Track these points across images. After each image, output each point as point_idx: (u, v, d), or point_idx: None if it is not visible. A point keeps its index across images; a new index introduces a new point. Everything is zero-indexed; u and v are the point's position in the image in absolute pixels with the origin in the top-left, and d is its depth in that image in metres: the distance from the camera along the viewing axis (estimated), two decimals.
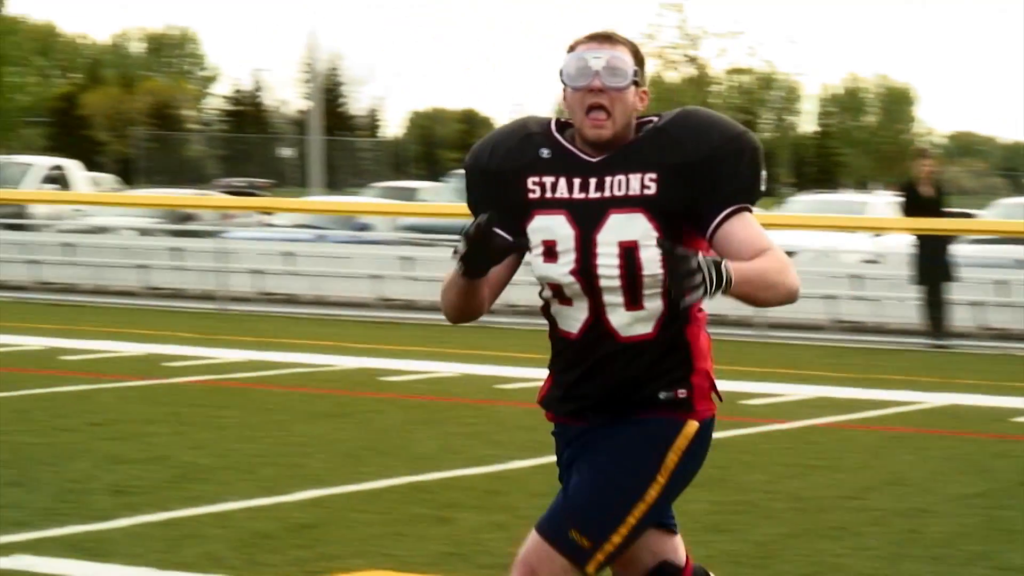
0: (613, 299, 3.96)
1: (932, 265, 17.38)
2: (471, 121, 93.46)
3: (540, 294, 4.11)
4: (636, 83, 3.98)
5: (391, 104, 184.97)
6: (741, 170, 3.97)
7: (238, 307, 21.03)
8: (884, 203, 25.07)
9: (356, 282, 21.84)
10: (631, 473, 4.00)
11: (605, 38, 3.99)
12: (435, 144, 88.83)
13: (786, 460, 9.64)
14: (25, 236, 25.42)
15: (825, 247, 22.26)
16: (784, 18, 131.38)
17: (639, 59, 4.01)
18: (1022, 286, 19.32)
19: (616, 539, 3.98)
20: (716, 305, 4.73)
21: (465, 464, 9.25)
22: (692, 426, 4.05)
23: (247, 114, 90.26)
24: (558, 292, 4.01)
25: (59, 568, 6.60)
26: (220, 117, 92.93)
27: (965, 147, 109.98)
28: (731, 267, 3.77)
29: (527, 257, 4.11)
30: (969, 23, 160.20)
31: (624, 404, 4.03)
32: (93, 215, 27.60)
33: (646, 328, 3.98)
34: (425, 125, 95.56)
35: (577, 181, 3.97)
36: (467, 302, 4.02)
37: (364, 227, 25.11)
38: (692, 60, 52.71)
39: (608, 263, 3.93)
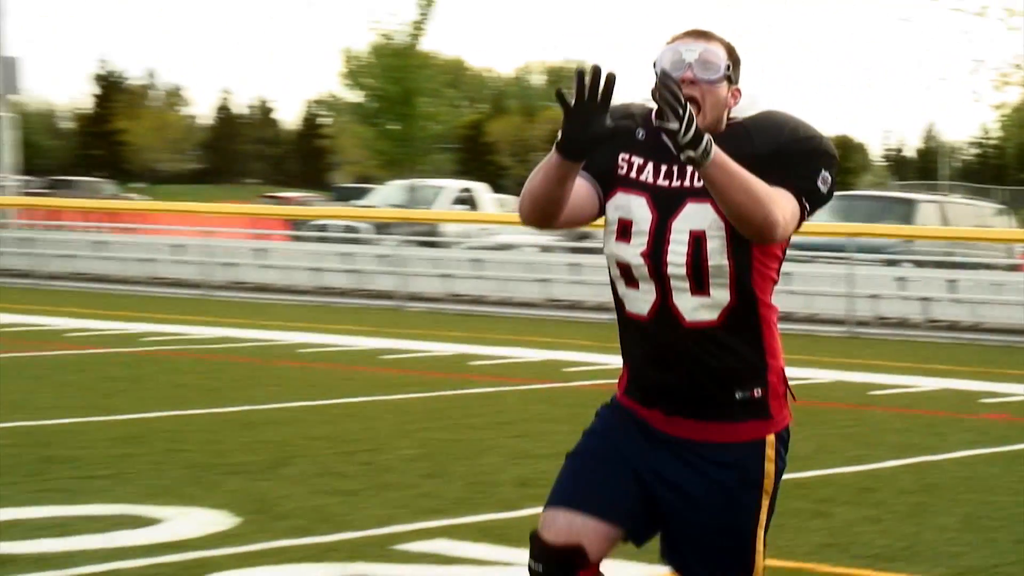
0: (679, 284, 3.93)
1: None
2: None
3: (609, 273, 4.07)
4: (729, 79, 3.96)
5: None
6: (804, 170, 3.92)
7: None
8: None
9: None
10: (740, 551, 4.14)
11: (701, 34, 3.97)
12: None
13: None
14: (438, 252, 26.47)
15: None
16: None
17: (734, 57, 3.98)
18: None
19: (760, 569, 4.20)
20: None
21: (841, 463, 9.59)
22: (772, 447, 4.05)
23: None
24: (626, 272, 3.99)
25: (472, 552, 6.95)
26: None
27: None
28: (718, 149, 3.71)
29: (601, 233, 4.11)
30: None
31: (698, 406, 4.00)
32: (499, 233, 28.18)
33: (711, 315, 3.93)
34: None
35: (663, 168, 3.96)
36: (550, 190, 3.83)
37: None
38: None
39: (677, 250, 3.91)
